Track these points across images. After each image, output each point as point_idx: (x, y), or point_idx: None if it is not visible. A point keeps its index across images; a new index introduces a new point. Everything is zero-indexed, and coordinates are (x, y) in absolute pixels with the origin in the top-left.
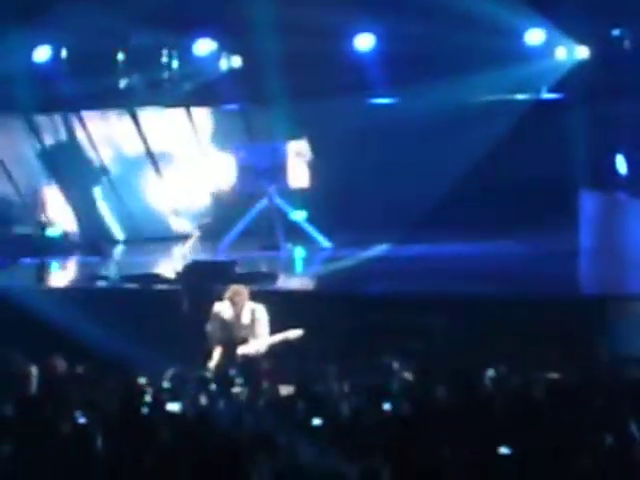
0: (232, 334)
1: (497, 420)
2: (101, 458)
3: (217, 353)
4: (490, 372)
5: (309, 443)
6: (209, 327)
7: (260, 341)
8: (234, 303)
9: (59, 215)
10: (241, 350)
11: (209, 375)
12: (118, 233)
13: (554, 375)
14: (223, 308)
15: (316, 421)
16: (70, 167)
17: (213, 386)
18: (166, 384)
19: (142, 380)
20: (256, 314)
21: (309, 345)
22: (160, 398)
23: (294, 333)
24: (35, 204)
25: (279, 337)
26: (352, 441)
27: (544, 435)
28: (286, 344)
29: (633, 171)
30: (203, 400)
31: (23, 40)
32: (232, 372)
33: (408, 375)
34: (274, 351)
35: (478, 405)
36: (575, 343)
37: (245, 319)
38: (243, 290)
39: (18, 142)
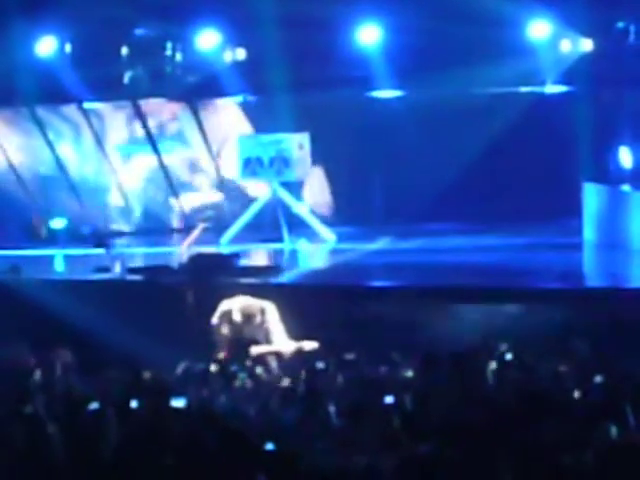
0: (241, 334)
1: (499, 413)
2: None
3: (224, 350)
4: (492, 364)
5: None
6: (215, 323)
7: (274, 346)
8: (245, 315)
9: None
10: (253, 351)
11: (214, 369)
12: (123, 225)
13: (562, 368)
14: (232, 308)
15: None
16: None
17: (217, 380)
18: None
19: (147, 374)
20: (267, 314)
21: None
22: (165, 393)
23: (309, 345)
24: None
25: (294, 345)
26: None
27: (546, 428)
28: (299, 354)
29: (637, 164)
30: (206, 394)
31: (27, 31)
32: (236, 367)
33: (409, 372)
34: (286, 357)
35: (481, 397)
36: (578, 335)
37: (256, 320)
38: (253, 303)
39: (23, 133)
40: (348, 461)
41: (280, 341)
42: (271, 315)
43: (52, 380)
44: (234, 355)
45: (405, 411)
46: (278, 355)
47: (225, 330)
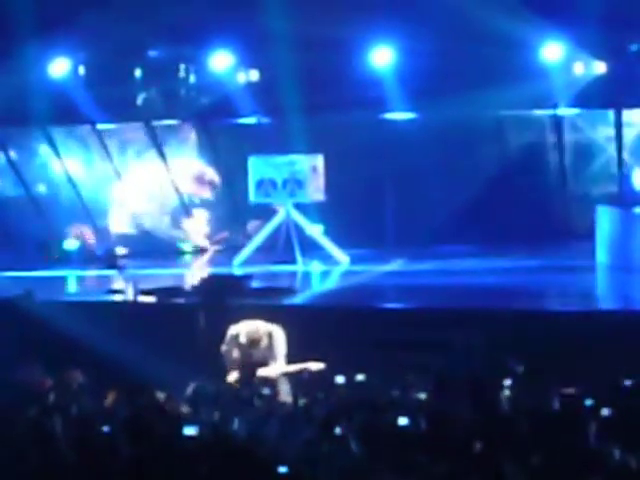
0: (250, 358)
1: (515, 436)
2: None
3: (234, 374)
4: (506, 391)
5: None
6: (225, 348)
7: (280, 366)
8: (251, 340)
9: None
10: (261, 372)
11: (226, 391)
12: (134, 245)
13: (570, 390)
14: (240, 332)
15: (337, 430)
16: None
17: (230, 402)
18: (185, 401)
19: (160, 395)
20: (273, 338)
21: (325, 360)
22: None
23: (316, 366)
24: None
25: (300, 366)
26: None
27: (560, 451)
28: (305, 374)
29: None
30: (218, 416)
31: (40, 53)
32: (249, 390)
33: (422, 395)
34: (293, 377)
35: (496, 421)
36: (593, 358)
37: (263, 343)
38: (260, 327)
39: (36, 153)
40: None
41: (286, 364)
42: (278, 339)
43: (66, 401)
44: (244, 378)
45: (420, 433)
46: (291, 376)
47: (235, 354)
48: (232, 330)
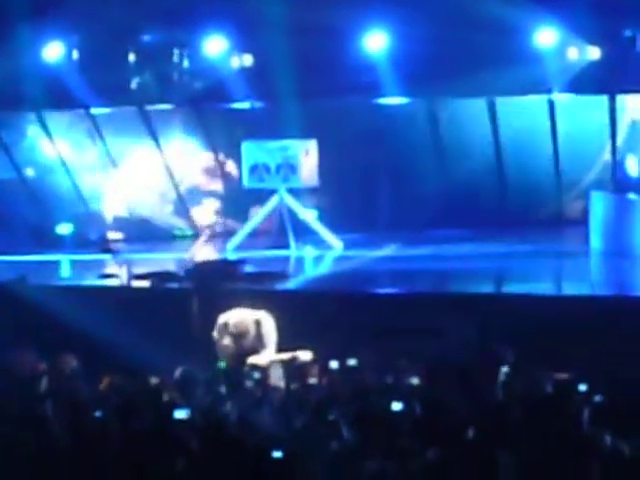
0: (239, 347)
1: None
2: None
3: (225, 361)
4: (502, 375)
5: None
6: (215, 336)
7: (269, 354)
8: (240, 329)
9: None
10: (251, 360)
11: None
12: (128, 230)
13: (563, 375)
14: (228, 321)
15: (331, 416)
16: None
17: (222, 388)
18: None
19: (154, 379)
20: (262, 326)
21: (318, 345)
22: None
23: (305, 355)
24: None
25: (289, 355)
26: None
27: (553, 437)
28: (294, 362)
29: None
30: (210, 400)
31: (34, 37)
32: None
33: (415, 379)
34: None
35: (488, 407)
36: (586, 343)
37: (250, 333)
38: (247, 316)
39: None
40: (359, 466)
41: (276, 352)
42: (266, 326)
43: (59, 386)
44: (234, 366)
45: (414, 418)
46: (282, 363)
47: (225, 342)
48: (221, 319)
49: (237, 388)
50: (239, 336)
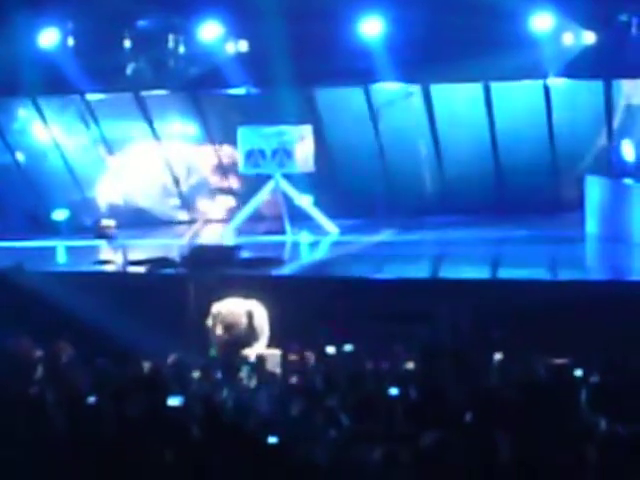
0: (232, 336)
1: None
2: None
3: (219, 348)
4: (496, 359)
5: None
6: (209, 324)
7: (260, 347)
8: (232, 319)
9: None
10: (244, 353)
11: (213, 362)
12: (124, 216)
13: (561, 360)
14: (221, 310)
15: (329, 402)
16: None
17: (218, 374)
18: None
19: (146, 364)
20: (254, 317)
21: (313, 330)
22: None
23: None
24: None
25: (276, 351)
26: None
27: (548, 421)
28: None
29: None
30: (207, 388)
31: (29, 23)
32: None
33: (410, 364)
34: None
35: (483, 391)
36: (582, 328)
37: (241, 324)
38: (239, 307)
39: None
40: (361, 453)
41: (268, 342)
42: (258, 318)
43: (54, 372)
44: (227, 355)
45: (410, 402)
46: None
47: (218, 331)
48: (215, 308)
49: (233, 375)
50: (230, 327)
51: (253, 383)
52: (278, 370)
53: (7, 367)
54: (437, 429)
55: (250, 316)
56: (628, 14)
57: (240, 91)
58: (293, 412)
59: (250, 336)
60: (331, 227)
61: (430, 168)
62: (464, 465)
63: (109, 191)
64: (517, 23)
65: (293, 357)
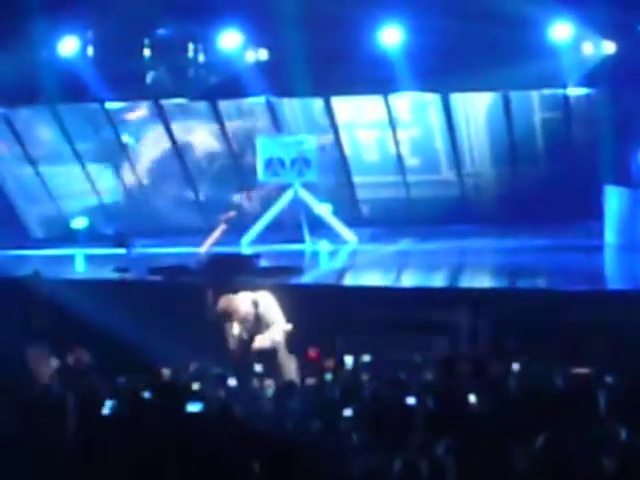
0: (244, 328)
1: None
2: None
3: (234, 347)
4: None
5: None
6: (223, 322)
7: (275, 332)
8: (225, 313)
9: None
10: (256, 344)
11: (228, 370)
12: (143, 224)
13: (580, 370)
14: (231, 304)
15: (347, 412)
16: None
17: (232, 381)
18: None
19: (166, 372)
20: (260, 305)
21: (332, 338)
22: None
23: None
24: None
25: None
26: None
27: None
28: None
29: None
30: (222, 395)
31: (49, 31)
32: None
33: (428, 374)
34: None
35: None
36: (602, 338)
37: (250, 312)
38: (232, 300)
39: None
40: (379, 462)
41: (278, 322)
42: (267, 305)
43: (73, 380)
44: (244, 352)
45: (428, 411)
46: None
47: (235, 330)
48: (220, 305)
49: (247, 383)
50: (229, 316)
51: (270, 392)
52: (295, 377)
53: (25, 375)
54: (454, 438)
55: (256, 305)
56: None
57: (260, 100)
58: (313, 427)
59: (259, 324)
60: (350, 236)
61: (449, 176)
62: (481, 475)
63: (127, 199)
64: (537, 32)
65: (310, 364)
